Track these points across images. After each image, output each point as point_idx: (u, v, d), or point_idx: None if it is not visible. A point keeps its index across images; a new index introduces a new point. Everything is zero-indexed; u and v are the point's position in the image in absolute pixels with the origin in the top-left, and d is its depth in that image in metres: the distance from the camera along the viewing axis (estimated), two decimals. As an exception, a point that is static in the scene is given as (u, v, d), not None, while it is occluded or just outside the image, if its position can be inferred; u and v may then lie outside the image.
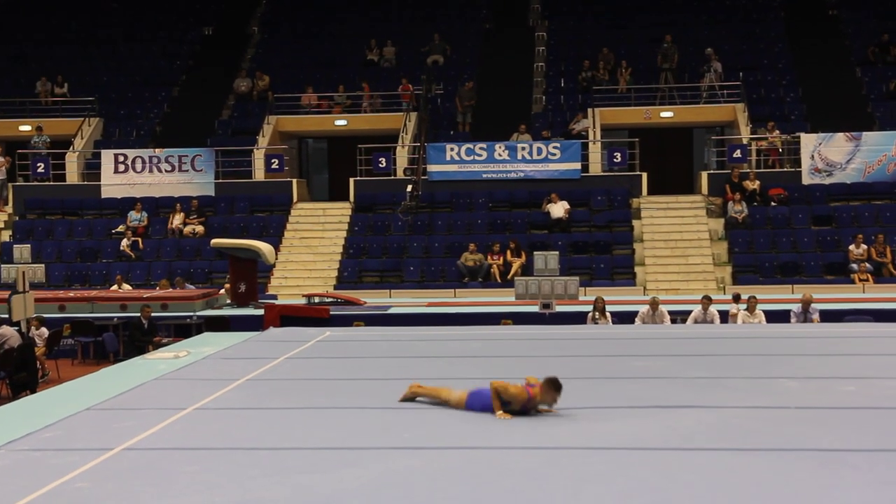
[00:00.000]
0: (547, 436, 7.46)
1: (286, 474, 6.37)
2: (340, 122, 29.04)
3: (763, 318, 16.78)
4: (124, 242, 25.39)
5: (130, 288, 22.70)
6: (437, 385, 8.90)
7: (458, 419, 8.07)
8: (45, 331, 16.97)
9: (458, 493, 5.92)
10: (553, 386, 8.20)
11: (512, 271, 23.28)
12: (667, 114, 28.29)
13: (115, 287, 22.60)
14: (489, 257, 23.96)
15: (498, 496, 5.86)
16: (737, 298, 17.54)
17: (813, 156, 25.70)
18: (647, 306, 17.04)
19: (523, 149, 26.28)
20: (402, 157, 27.03)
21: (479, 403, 8.35)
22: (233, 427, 7.95)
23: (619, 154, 26.34)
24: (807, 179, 25.71)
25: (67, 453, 7.04)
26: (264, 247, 20.71)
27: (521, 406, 8.21)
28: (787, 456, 6.78)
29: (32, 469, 6.63)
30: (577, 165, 26.15)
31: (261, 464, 6.65)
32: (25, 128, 29.49)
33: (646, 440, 7.25)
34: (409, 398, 8.79)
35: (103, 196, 27.27)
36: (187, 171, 27.24)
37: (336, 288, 23.61)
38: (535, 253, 19.23)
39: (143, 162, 27.33)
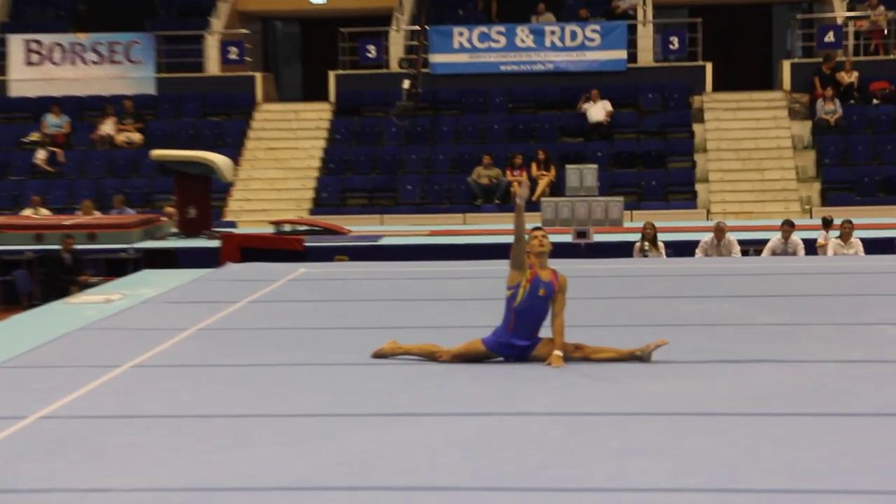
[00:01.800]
0: (581, 399, 7.48)
1: (248, 448, 6.41)
2: (317, 0, 28.79)
3: (860, 248, 16.78)
4: (40, 155, 25.35)
5: (49, 213, 22.72)
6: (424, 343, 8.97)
7: (466, 378, 8.10)
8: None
9: (467, 472, 5.95)
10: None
11: (538, 191, 23.21)
12: (739, -14, 28.01)
13: (28, 212, 22.62)
14: (508, 173, 23.88)
15: (519, 475, 5.89)
16: (827, 224, 17.52)
17: (927, 39, 25.45)
18: (710, 234, 17.04)
19: (553, 33, 26.07)
20: (396, 45, 26.85)
21: (504, 336, 8.51)
22: (180, 389, 7.99)
23: (676, 39, 26.13)
24: (919, 70, 25.52)
25: (-30, 422, 7.07)
26: (220, 160, 20.67)
27: (533, 279, 8.42)
28: (890, 422, 6.79)
29: (-75, 442, 6.66)
30: (623, 54, 25.98)
31: (216, 435, 6.69)
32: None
33: (708, 403, 7.27)
34: (383, 355, 8.87)
35: (11, 94, 27.21)
36: (120, 62, 27.11)
37: (312, 213, 23.61)
38: (567, 167, 19.15)
39: (64, 51, 27.18)
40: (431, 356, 8.75)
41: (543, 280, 8.47)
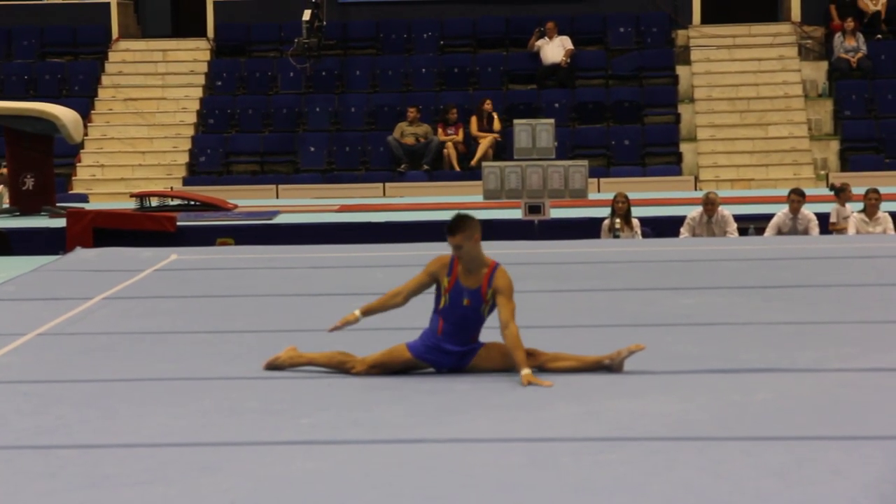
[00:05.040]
0: (534, 420, 7.49)
1: (104, 488, 6.36)
2: None
3: (890, 224, 16.91)
4: None
5: None
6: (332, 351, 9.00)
7: (386, 395, 8.12)
8: None
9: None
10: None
11: (478, 153, 23.24)
12: None
13: None
14: (440, 130, 23.86)
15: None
16: (839, 192, 17.62)
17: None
18: (699, 208, 17.12)
19: (496, -52, 26.09)
20: (293, -37, 26.76)
21: (432, 339, 8.56)
22: (14, 412, 7.91)
23: (654, -44, 26.25)
24: (964, -3, 25.80)
25: None
26: (65, 114, 20.49)
27: (453, 288, 8.45)
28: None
29: None
30: (587, -24, 26.05)
31: (61, 472, 6.64)
32: None
33: (696, 426, 7.32)
34: (279, 367, 8.91)
35: None
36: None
37: (187, 183, 23.46)
38: (515, 122, 19.16)
39: None
40: (341, 367, 8.75)
41: (467, 287, 8.44)
